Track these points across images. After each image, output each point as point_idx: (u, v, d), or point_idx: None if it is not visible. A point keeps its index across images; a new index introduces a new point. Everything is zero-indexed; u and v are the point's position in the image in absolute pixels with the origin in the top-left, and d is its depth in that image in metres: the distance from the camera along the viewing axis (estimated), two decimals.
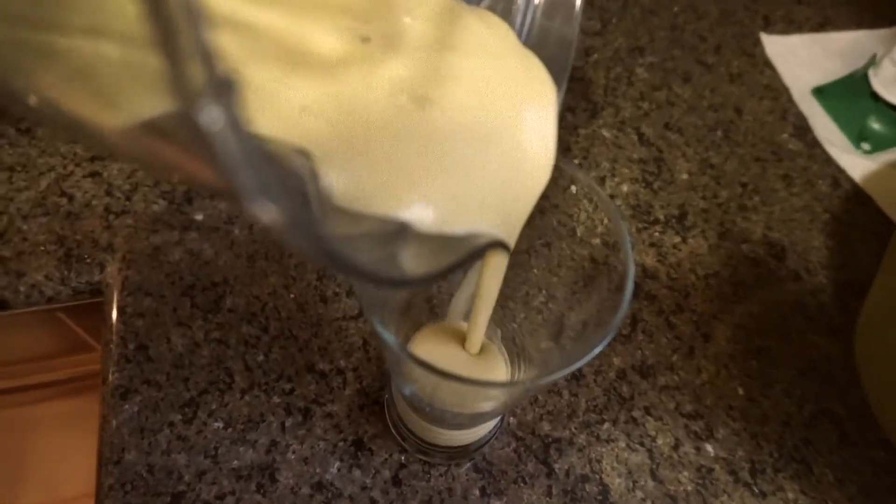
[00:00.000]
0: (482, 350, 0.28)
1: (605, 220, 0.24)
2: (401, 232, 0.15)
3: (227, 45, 0.15)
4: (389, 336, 0.19)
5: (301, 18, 0.16)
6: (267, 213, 0.08)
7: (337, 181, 0.14)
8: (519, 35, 0.21)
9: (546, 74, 0.19)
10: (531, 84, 0.18)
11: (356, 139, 0.15)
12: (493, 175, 0.17)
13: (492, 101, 0.17)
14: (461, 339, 0.29)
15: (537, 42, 0.21)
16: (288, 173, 0.13)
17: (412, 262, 0.15)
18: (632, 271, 0.22)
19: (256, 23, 0.15)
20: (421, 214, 0.15)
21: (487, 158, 0.17)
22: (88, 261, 0.36)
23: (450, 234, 0.16)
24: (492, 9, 0.20)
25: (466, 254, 0.16)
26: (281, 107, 0.15)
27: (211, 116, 0.07)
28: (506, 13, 0.21)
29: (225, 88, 0.07)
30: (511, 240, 0.19)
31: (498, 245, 0.18)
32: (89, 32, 0.10)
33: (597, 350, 0.21)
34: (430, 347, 0.28)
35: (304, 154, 0.14)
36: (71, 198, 0.38)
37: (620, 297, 0.23)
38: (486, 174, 0.17)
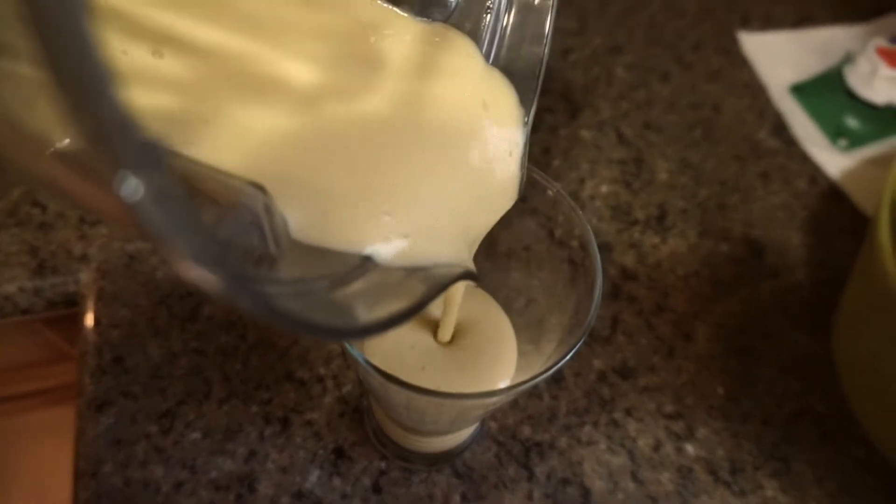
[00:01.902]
0: (458, 336, 0.27)
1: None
2: (361, 267, 0.15)
3: (186, 72, 0.15)
4: (359, 353, 0.18)
5: (273, 45, 0.16)
6: (200, 279, 0.08)
7: (296, 213, 0.14)
8: (487, 54, 0.21)
9: (512, 95, 0.19)
10: (497, 106, 0.18)
11: (318, 170, 0.15)
12: (457, 202, 0.17)
13: (457, 125, 0.17)
14: (431, 323, 0.27)
15: (506, 61, 0.21)
16: (232, 223, 0.12)
17: (370, 308, 0.14)
18: (600, 278, 0.22)
19: (224, 49, 0.15)
20: (383, 245, 0.15)
21: (452, 184, 0.17)
22: (63, 271, 0.36)
23: (414, 265, 0.16)
24: (459, 27, 0.20)
25: (434, 288, 0.15)
26: (241, 138, 0.14)
27: (129, 188, 0.07)
28: (474, 32, 0.21)
29: (148, 155, 0.07)
30: (471, 263, 0.18)
31: (466, 276, 0.17)
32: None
33: (569, 355, 0.21)
34: (398, 338, 0.27)
35: (259, 187, 0.13)
36: (44, 208, 0.38)
37: (591, 300, 0.23)
38: (450, 201, 0.17)
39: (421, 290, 0.15)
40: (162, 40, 0.14)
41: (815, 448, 0.35)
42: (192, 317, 0.35)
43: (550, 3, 0.20)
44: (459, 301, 0.24)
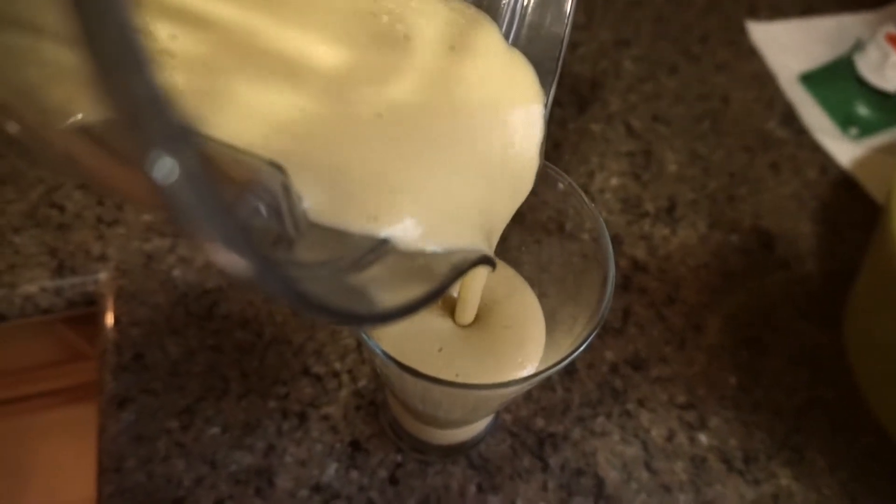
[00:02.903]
0: (479, 315, 0.26)
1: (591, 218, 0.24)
2: (377, 251, 0.15)
3: (206, 50, 0.15)
4: (375, 343, 0.19)
5: (294, 25, 0.16)
6: (228, 263, 0.08)
7: (313, 194, 0.14)
8: (507, 33, 0.20)
9: (533, 76, 0.19)
10: (517, 87, 0.18)
11: (336, 151, 0.15)
12: (476, 186, 0.17)
13: (477, 108, 0.17)
14: (450, 303, 0.26)
15: (526, 41, 0.20)
16: (250, 203, 0.12)
17: (387, 293, 0.13)
18: (612, 270, 0.22)
19: (245, 28, 0.15)
20: (402, 228, 0.15)
21: (471, 167, 0.17)
22: (82, 271, 0.37)
23: (431, 249, 0.16)
24: (477, 4, 0.20)
25: (451, 274, 0.15)
26: (259, 117, 0.15)
27: (164, 169, 0.07)
28: (493, 9, 0.20)
29: (182, 137, 0.07)
30: (492, 252, 0.18)
31: (483, 261, 0.17)
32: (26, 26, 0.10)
33: (584, 346, 0.22)
34: (414, 319, 0.26)
35: (277, 167, 0.13)
36: (62, 209, 0.39)
37: (604, 292, 0.23)
38: (469, 184, 0.17)
39: (438, 276, 0.15)
40: (184, 17, 0.14)
41: (827, 437, 0.35)
42: (208, 315, 0.36)
43: None
44: (481, 286, 0.24)
